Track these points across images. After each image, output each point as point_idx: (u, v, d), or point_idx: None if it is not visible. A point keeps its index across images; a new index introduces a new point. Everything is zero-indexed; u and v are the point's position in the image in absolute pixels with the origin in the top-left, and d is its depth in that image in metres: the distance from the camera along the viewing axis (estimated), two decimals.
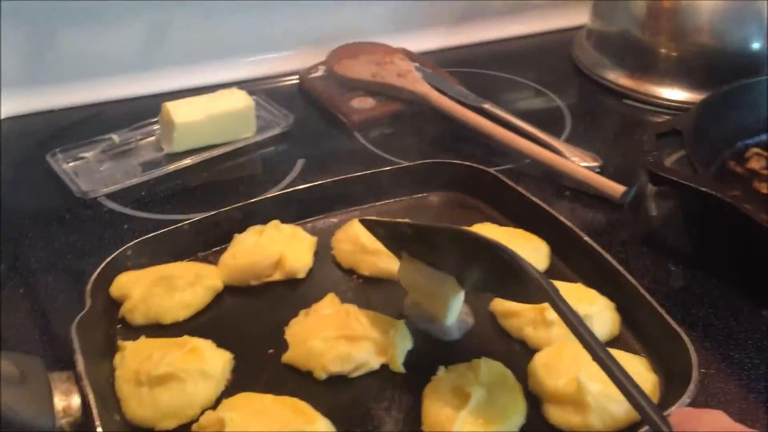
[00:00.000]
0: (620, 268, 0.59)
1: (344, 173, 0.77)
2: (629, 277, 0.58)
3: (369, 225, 0.59)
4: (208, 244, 0.66)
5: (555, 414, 0.51)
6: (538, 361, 0.54)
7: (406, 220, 0.64)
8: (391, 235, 0.58)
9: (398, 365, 0.55)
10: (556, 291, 0.47)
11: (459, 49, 1.06)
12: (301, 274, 0.63)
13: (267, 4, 0.96)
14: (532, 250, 0.63)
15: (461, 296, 0.56)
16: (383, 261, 0.62)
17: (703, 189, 0.61)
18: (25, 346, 0.57)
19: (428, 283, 0.55)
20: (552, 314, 0.54)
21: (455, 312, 0.56)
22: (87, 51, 0.91)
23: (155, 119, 0.84)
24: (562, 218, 0.65)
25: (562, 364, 0.53)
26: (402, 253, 0.57)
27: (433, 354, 0.56)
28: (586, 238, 0.62)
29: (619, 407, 0.50)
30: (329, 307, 0.58)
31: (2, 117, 0.88)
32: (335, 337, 0.54)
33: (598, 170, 0.76)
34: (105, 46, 0.91)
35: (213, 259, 0.65)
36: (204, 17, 0.94)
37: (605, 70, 0.96)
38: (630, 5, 0.94)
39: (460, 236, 0.52)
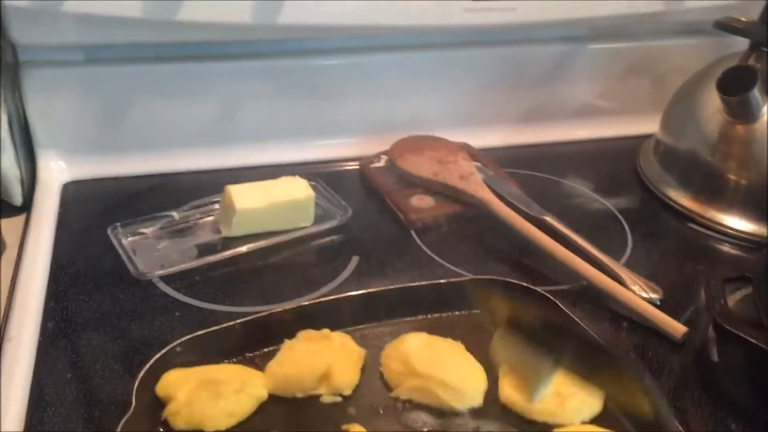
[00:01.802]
0: (681, 429, 0.56)
1: (397, 277, 0.78)
2: None
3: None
4: (257, 344, 0.65)
5: None
6: None
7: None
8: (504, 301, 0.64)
9: None
10: None
11: (521, 149, 1.05)
12: (347, 392, 0.62)
13: (334, 89, 0.97)
14: (586, 393, 0.61)
15: (554, 375, 0.61)
16: (431, 386, 0.61)
17: None
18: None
19: (522, 355, 0.61)
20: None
21: (544, 388, 0.60)
22: (157, 121, 0.93)
23: (215, 198, 0.85)
24: (622, 360, 0.63)
25: None
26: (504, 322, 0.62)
27: None
28: (647, 382, 0.60)
29: None
30: None
31: (68, 180, 0.89)
32: None
33: (658, 303, 0.74)
34: (176, 118, 0.93)
35: (260, 362, 0.64)
36: (273, 97, 0.96)
37: (669, 187, 0.94)
38: (701, 125, 0.92)
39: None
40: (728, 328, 0.61)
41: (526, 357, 0.60)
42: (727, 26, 0.90)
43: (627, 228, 0.88)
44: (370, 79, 0.98)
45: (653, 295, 0.75)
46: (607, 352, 0.63)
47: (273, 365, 0.62)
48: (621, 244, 0.85)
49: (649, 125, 1.04)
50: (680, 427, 0.57)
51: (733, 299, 0.72)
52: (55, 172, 0.89)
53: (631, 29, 1.06)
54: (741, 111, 0.86)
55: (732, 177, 0.88)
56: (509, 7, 0.93)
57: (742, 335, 0.60)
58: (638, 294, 0.74)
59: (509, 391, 0.62)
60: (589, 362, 0.63)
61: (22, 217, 0.83)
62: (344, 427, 0.58)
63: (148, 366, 0.59)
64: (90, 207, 0.86)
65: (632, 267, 0.79)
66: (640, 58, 1.08)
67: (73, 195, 0.88)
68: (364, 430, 0.57)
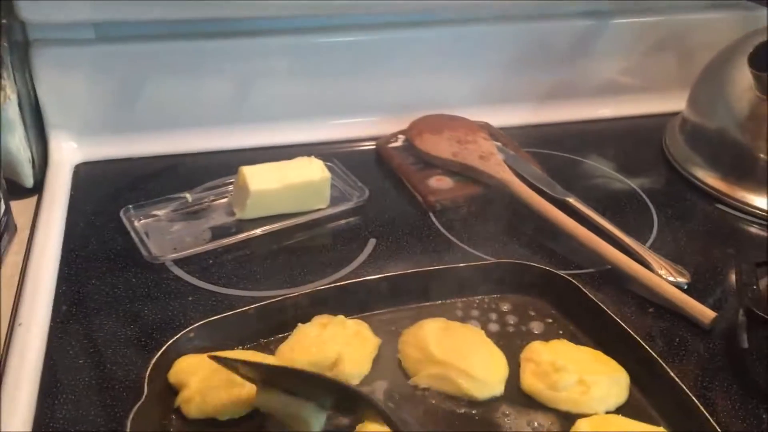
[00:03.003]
0: (711, 420, 0.54)
1: (415, 260, 0.76)
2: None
3: (224, 362, 0.55)
4: (271, 329, 0.64)
5: None
6: None
7: (264, 360, 0.60)
8: (247, 370, 0.55)
9: None
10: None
11: (543, 128, 1.02)
12: (355, 381, 0.60)
13: (350, 67, 0.95)
14: (611, 381, 0.59)
15: (323, 417, 0.54)
16: (451, 374, 0.59)
17: None
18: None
19: (287, 409, 0.54)
20: None
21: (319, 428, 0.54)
22: (170, 100, 0.91)
23: (229, 179, 0.83)
24: (647, 347, 0.60)
25: None
26: (258, 382, 0.55)
27: None
28: (673, 375, 0.58)
29: None
30: None
31: (79, 161, 0.88)
32: None
33: (685, 287, 0.72)
34: (189, 97, 0.91)
35: (275, 348, 0.62)
36: (288, 76, 0.93)
37: (696, 167, 0.91)
38: (731, 102, 0.88)
39: (313, 379, 0.52)
40: (761, 314, 0.59)
41: (289, 407, 0.54)
42: None
43: (653, 209, 0.85)
44: (388, 57, 0.96)
45: (680, 279, 0.72)
46: (644, 352, 0.60)
47: (284, 349, 0.61)
48: (647, 227, 0.82)
49: (675, 103, 1.00)
50: (709, 417, 0.55)
51: (763, 284, 0.69)
52: (67, 153, 0.87)
53: (657, 3, 1.03)
54: None
55: (762, 156, 0.85)
56: None
57: None
58: (665, 278, 0.72)
59: (531, 380, 0.60)
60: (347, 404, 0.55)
61: (33, 199, 0.81)
62: (357, 428, 0.56)
63: (160, 352, 0.58)
64: (102, 189, 0.84)
65: (658, 250, 0.77)
66: (665, 34, 1.04)
67: (85, 176, 0.86)
68: (379, 428, 0.55)
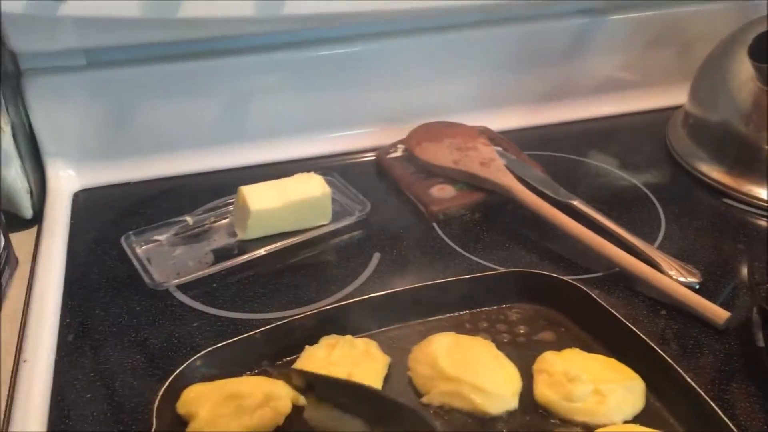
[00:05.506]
0: (730, 424, 0.53)
1: (421, 273, 0.75)
2: None
3: (284, 374, 0.57)
4: (278, 353, 0.63)
5: None
6: None
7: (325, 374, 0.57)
8: (298, 379, 0.55)
9: None
10: None
11: (543, 129, 1.01)
12: None
13: (345, 79, 0.94)
14: (627, 389, 0.58)
15: None
16: (463, 390, 0.58)
17: None
18: None
19: (334, 423, 0.53)
20: None
21: None
22: (165, 122, 0.90)
23: (229, 199, 0.82)
24: (661, 352, 0.59)
25: None
26: (310, 395, 0.55)
27: None
28: (689, 380, 0.57)
29: None
30: None
31: (78, 189, 0.87)
32: None
33: (696, 287, 0.71)
34: (183, 118, 0.90)
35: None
36: (282, 91, 0.92)
37: (700, 161, 0.90)
38: (733, 94, 0.87)
39: (372, 395, 0.52)
40: None
41: (340, 420, 0.53)
42: None
43: (659, 207, 0.84)
44: (382, 67, 0.95)
45: (691, 279, 0.71)
46: (659, 357, 0.59)
47: None
48: (654, 225, 0.81)
49: (676, 97, 0.99)
50: (728, 422, 0.54)
51: None
52: (65, 181, 0.87)
53: None
54: None
55: (766, 147, 0.84)
56: None
57: None
58: (675, 279, 0.71)
59: (545, 391, 0.59)
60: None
61: (33, 230, 0.81)
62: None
63: (167, 383, 0.57)
64: (102, 216, 0.84)
65: (667, 249, 0.76)
66: (663, 27, 1.03)
67: (84, 204, 0.86)
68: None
